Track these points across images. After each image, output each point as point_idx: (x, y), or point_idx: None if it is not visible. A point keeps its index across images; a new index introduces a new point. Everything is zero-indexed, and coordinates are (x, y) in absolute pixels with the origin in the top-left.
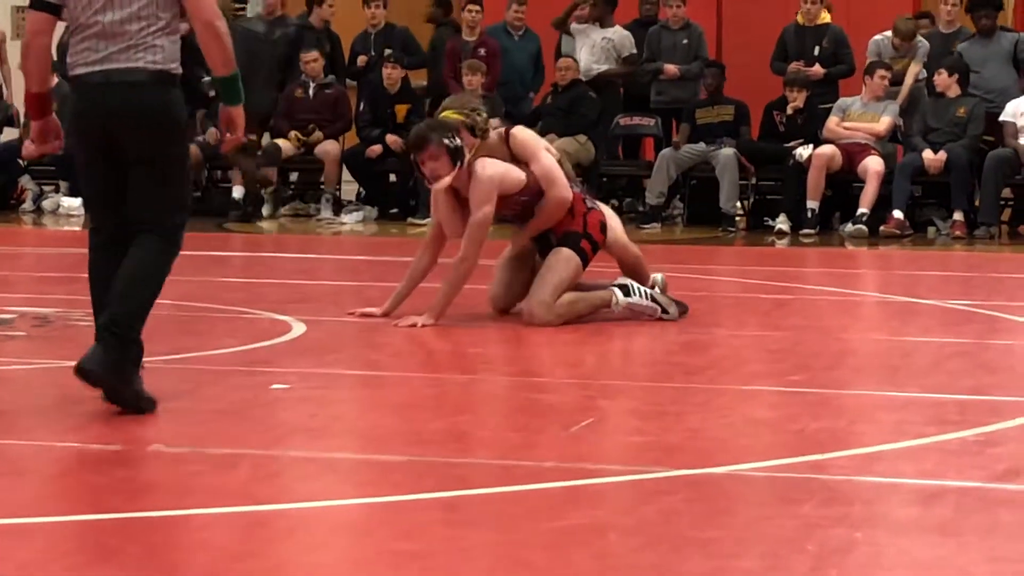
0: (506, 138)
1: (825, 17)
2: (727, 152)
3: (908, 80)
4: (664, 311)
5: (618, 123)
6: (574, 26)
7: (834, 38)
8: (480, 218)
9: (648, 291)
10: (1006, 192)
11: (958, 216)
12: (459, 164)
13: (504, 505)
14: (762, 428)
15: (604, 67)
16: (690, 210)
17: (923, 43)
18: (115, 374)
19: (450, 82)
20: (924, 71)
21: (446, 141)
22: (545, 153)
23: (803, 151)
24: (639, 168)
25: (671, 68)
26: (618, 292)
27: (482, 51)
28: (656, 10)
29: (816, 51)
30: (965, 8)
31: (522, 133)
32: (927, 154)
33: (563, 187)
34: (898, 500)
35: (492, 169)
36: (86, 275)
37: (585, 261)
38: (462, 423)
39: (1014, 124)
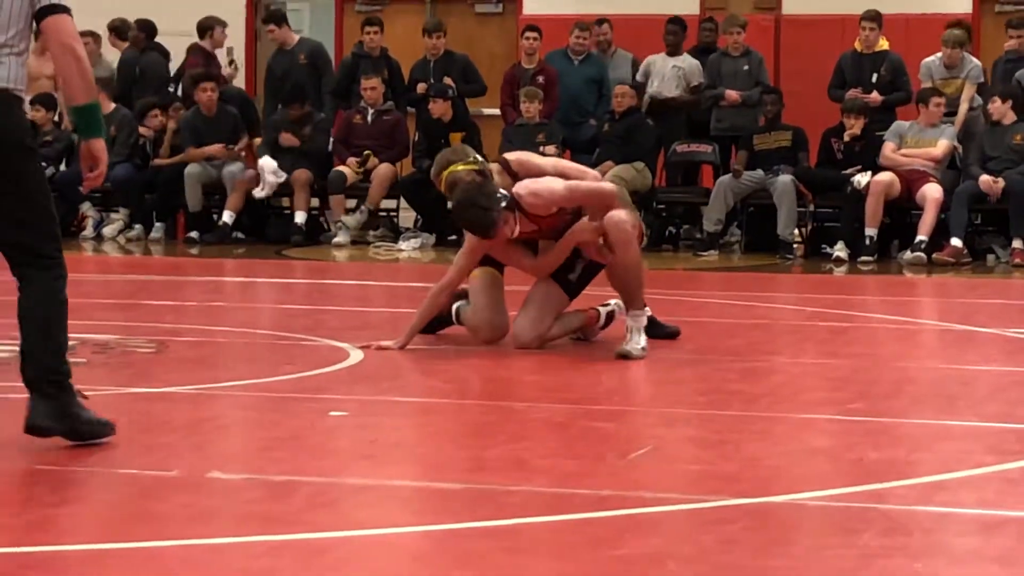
0: (506, 167)
1: (883, 44)
2: (785, 179)
3: (963, 106)
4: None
5: (675, 150)
6: (649, 58)
7: (892, 65)
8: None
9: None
10: None
11: (1017, 244)
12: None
13: (562, 533)
14: (821, 457)
15: (674, 94)
16: (748, 237)
17: (974, 63)
18: (66, 419)
19: (507, 109)
20: (979, 97)
21: (501, 204)
22: (548, 159)
23: (861, 178)
24: (696, 195)
25: (732, 94)
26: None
27: (540, 78)
28: (715, 37)
29: (874, 78)
30: None
31: (519, 156)
32: (984, 177)
33: (596, 175)
34: (958, 530)
35: (544, 180)
36: (146, 302)
37: None
38: (520, 450)
39: None
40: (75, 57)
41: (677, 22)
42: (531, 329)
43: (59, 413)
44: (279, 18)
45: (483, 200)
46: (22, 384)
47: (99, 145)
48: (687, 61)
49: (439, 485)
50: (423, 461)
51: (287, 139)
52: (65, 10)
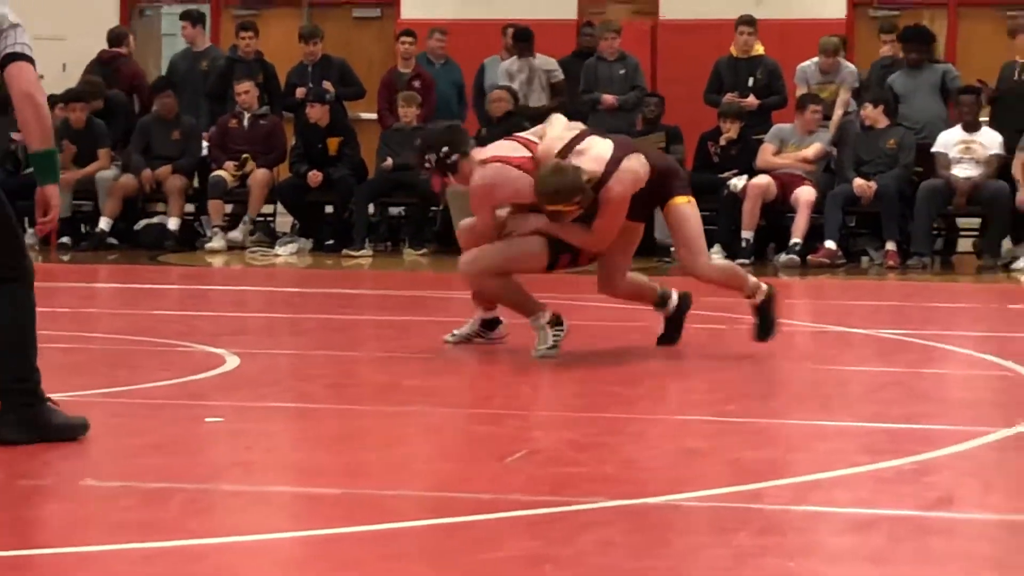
0: None
1: (758, 49)
2: None
3: (838, 111)
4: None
5: None
6: (504, 64)
7: (767, 70)
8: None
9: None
10: (939, 222)
11: (890, 246)
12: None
13: (440, 538)
14: (698, 458)
15: (539, 95)
16: None
17: (850, 68)
18: (38, 428)
19: (384, 114)
20: (854, 103)
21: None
22: None
23: (737, 182)
24: None
25: (609, 98)
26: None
27: (417, 83)
28: (595, 41)
29: (750, 82)
30: (897, 38)
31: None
32: (857, 181)
33: None
34: (832, 529)
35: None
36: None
37: None
38: (397, 455)
39: (946, 155)
40: (32, 104)
41: (525, 37)
42: (474, 263)
43: (30, 423)
44: (196, 18)
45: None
46: None
47: (51, 191)
48: (543, 60)
49: (316, 490)
50: (299, 466)
51: (164, 174)
52: (25, 58)
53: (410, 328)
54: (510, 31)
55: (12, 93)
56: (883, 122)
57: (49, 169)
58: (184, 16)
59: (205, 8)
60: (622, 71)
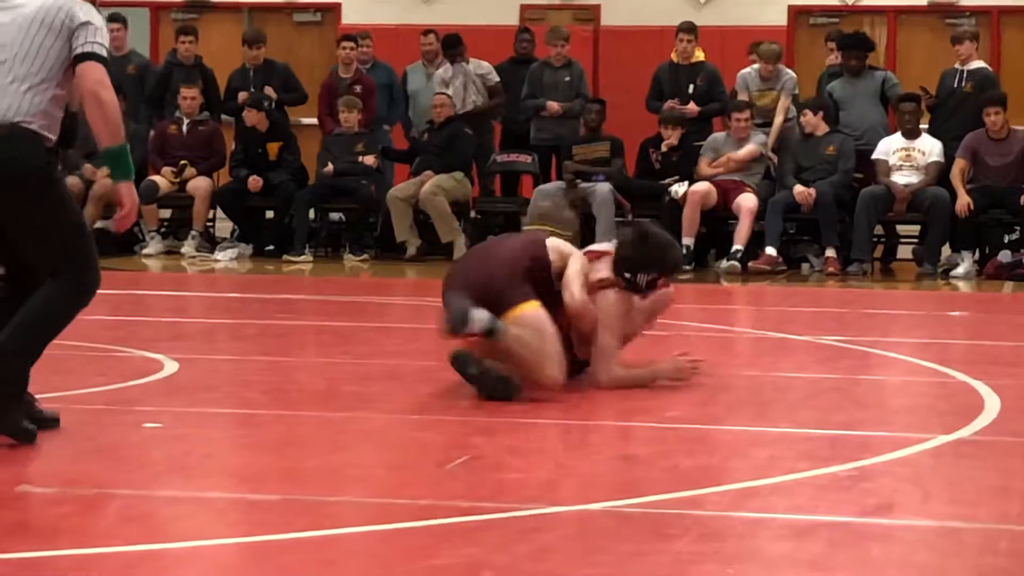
0: None
1: (699, 55)
2: (603, 188)
3: (778, 117)
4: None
5: (495, 160)
6: (439, 72)
7: (708, 76)
8: None
9: None
10: (879, 229)
11: (830, 253)
12: None
13: (378, 544)
14: (637, 464)
15: (475, 99)
16: None
17: (789, 74)
18: (6, 421)
19: (325, 119)
20: (793, 108)
21: None
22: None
23: (678, 188)
24: (516, 205)
25: (554, 105)
26: None
27: (358, 88)
28: (532, 48)
29: (691, 89)
30: (836, 47)
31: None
32: (797, 187)
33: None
34: (770, 535)
35: None
36: None
37: None
38: (337, 461)
39: (886, 162)
40: (98, 102)
41: (454, 43)
42: None
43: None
44: (121, 20)
45: None
46: None
47: (124, 187)
48: (477, 64)
49: (254, 496)
50: (238, 472)
51: (104, 173)
52: (93, 57)
53: (350, 334)
54: (430, 36)
55: (79, 92)
56: (823, 129)
57: (119, 165)
58: (113, 18)
59: (144, 12)
60: (567, 78)
